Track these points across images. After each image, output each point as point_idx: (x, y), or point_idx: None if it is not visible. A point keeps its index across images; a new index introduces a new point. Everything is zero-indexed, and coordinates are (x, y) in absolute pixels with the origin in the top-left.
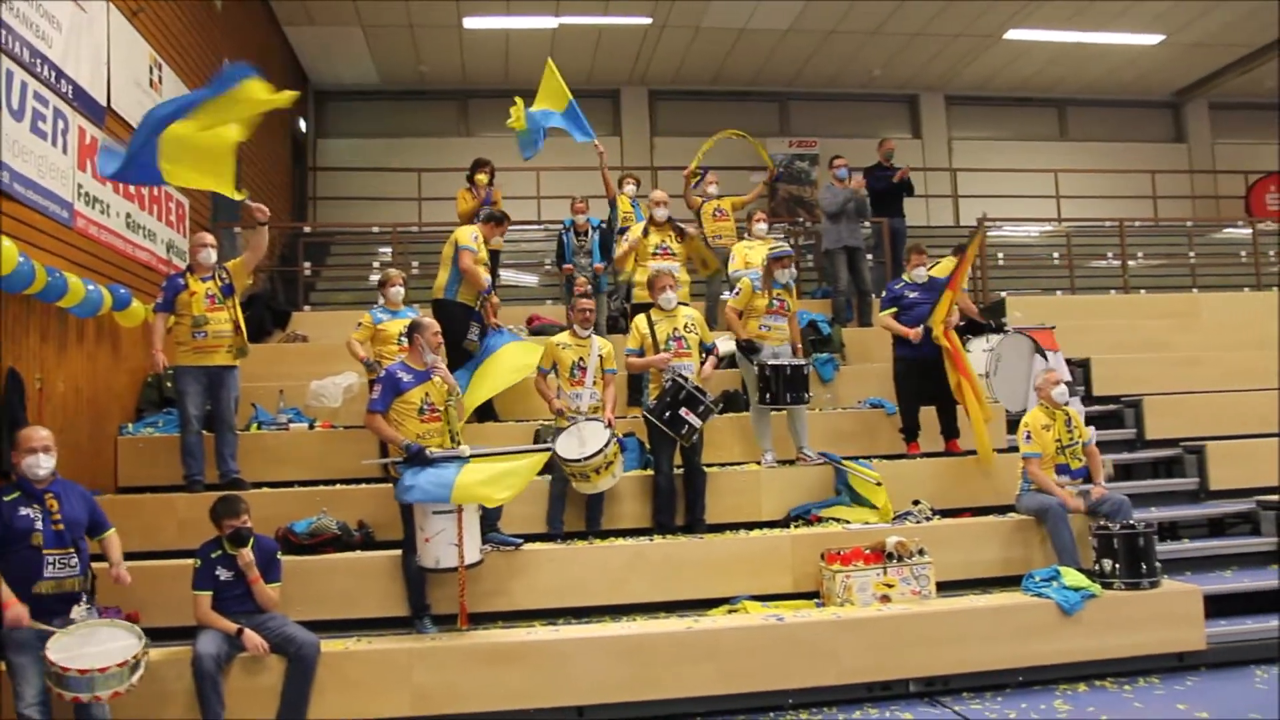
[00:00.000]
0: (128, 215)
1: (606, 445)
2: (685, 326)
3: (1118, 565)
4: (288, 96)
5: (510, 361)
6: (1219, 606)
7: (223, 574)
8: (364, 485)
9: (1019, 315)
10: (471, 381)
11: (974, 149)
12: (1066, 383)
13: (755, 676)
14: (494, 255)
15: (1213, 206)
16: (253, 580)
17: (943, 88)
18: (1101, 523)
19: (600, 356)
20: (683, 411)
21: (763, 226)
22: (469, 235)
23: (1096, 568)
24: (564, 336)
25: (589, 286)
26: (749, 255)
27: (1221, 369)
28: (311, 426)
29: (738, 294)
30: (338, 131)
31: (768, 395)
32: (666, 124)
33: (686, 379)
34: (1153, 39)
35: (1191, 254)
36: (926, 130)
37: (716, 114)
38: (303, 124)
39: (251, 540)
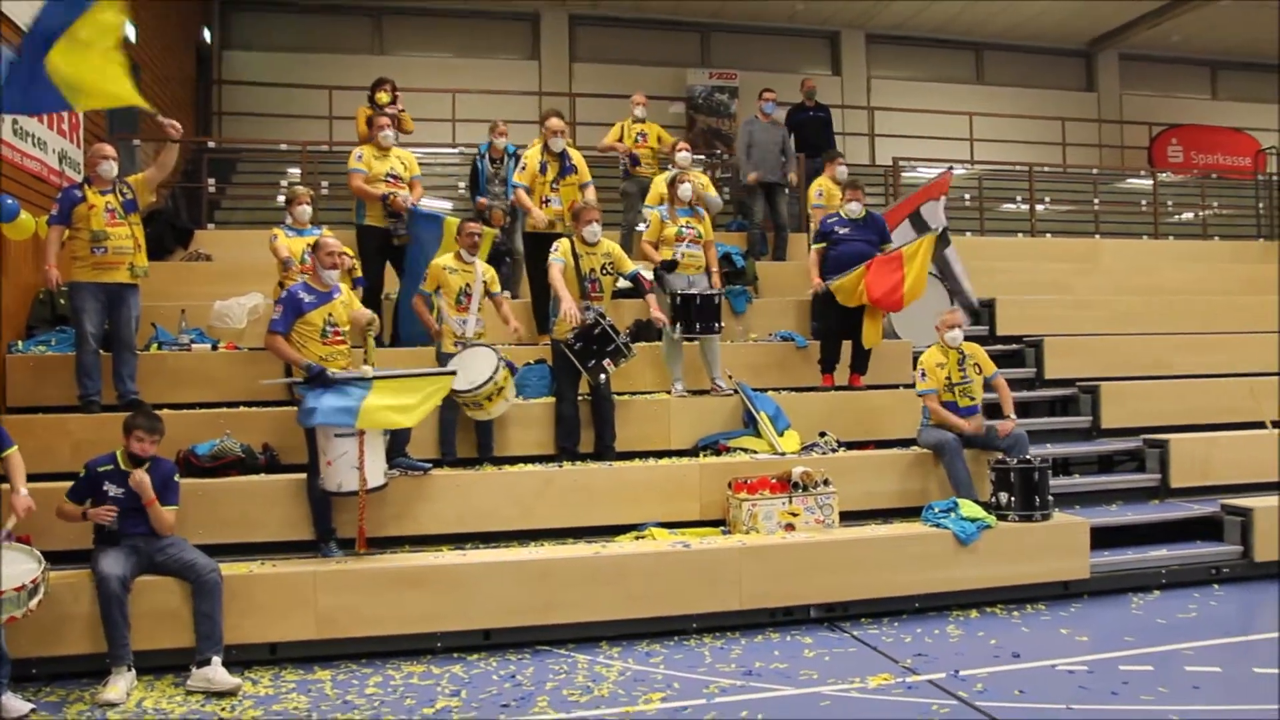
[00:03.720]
0: (14, 121)
1: (495, 373)
2: (603, 267)
3: (1013, 498)
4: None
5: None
6: (1104, 538)
7: (112, 490)
8: (269, 408)
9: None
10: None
11: (892, 88)
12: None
13: (661, 601)
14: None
15: (1118, 156)
16: (148, 503)
17: (864, 25)
18: (1000, 457)
19: (484, 281)
20: (595, 348)
21: (685, 155)
22: (354, 157)
23: (993, 500)
24: (449, 260)
25: (506, 221)
26: (665, 189)
27: (1117, 312)
28: (215, 348)
29: (648, 227)
30: (245, 44)
31: (679, 324)
32: (586, 50)
33: (604, 317)
34: None
35: (1096, 201)
36: (846, 68)
37: (637, 42)
38: (207, 34)
39: (148, 464)
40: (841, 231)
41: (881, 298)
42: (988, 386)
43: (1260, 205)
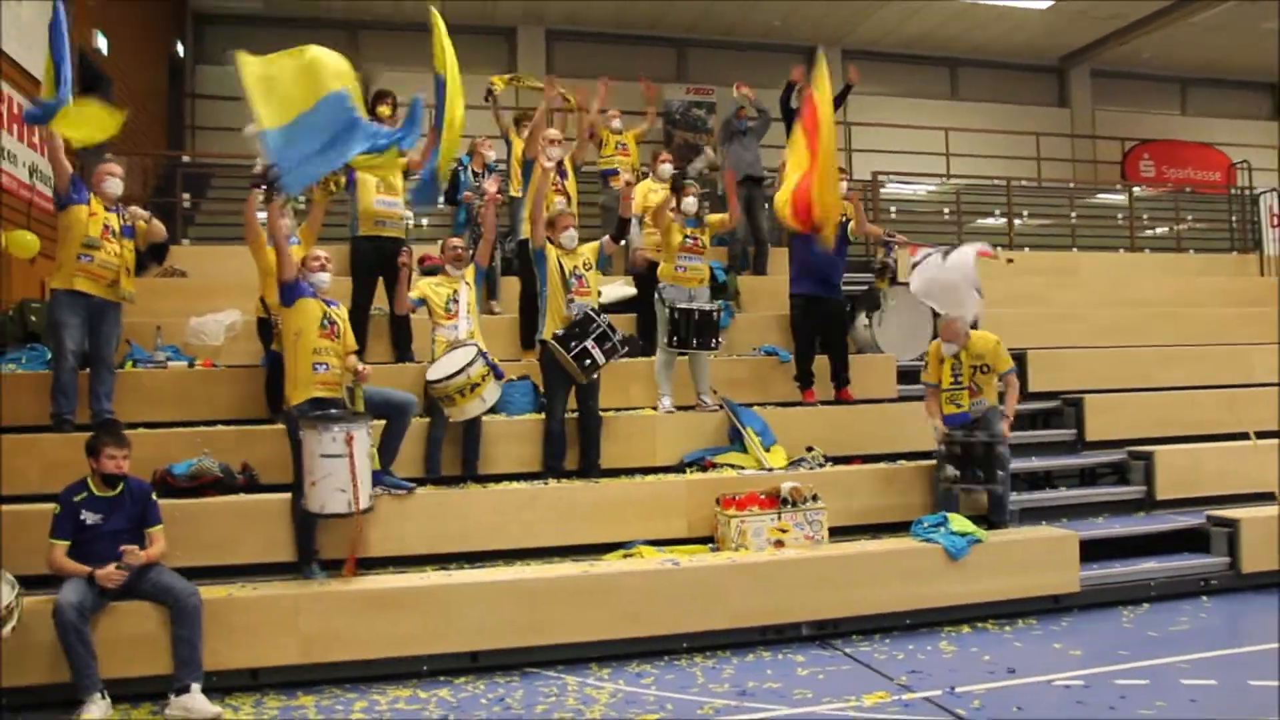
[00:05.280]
0: None
1: (470, 365)
2: (584, 264)
3: (961, 472)
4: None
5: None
6: (1092, 551)
7: (89, 518)
8: (249, 426)
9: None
10: None
11: (869, 104)
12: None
13: (650, 620)
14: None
15: (1092, 170)
16: (148, 560)
17: (840, 41)
18: (952, 434)
19: (469, 285)
20: (589, 345)
21: (667, 167)
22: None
23: (940, 474)
24: (436, 278)
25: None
26: (651, 199)
27: (1098, 326)
28: (191, 365)
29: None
30: (219, 58)
31: (676, 339)
32: (564, 66)
33: (599, 314)
34: (1040, 4)
35: (1072, 215)
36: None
37: (615, 57)
38: (180, 47)
39: (122, 484)
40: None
41: (796, 212)
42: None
43: (1233, 219)
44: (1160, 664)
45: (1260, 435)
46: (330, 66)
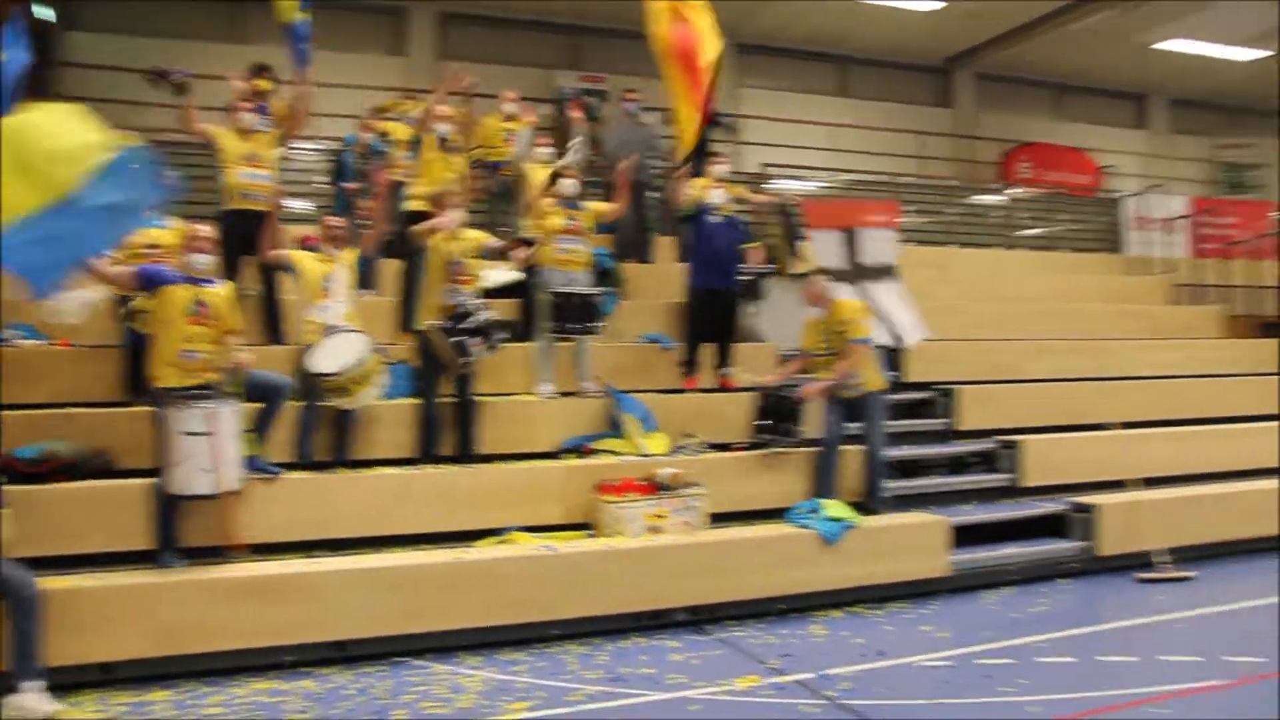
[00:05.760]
0: None
1: (363, 355)
2: (467, 252)
3: (769, 423)
4: None
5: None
6: (961, 537)
7: None
8: (106, 409)
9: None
10: None
11: (760, 98)
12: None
13: (523, 607)
14: None
15: (973, 170)
16: None
17: (734, 34)
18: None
19: (348, 268)
20: (466, 340)
21: (545, 151)
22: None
23: (756, 426)
24: (312, 255)
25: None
26: (534, 175)
27: (974, 319)
28: (48, 344)
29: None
30: (91, 25)
31: (555, 323)
32: (459, 49)
33: (481, 306)
34: (928, 6)
35: (952, 213)
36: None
37: (507, 43)
38: (47, 12)
39: None
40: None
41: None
42: None
43: (1102, 220)
44: (1022, 644)
45: (1126, 425)
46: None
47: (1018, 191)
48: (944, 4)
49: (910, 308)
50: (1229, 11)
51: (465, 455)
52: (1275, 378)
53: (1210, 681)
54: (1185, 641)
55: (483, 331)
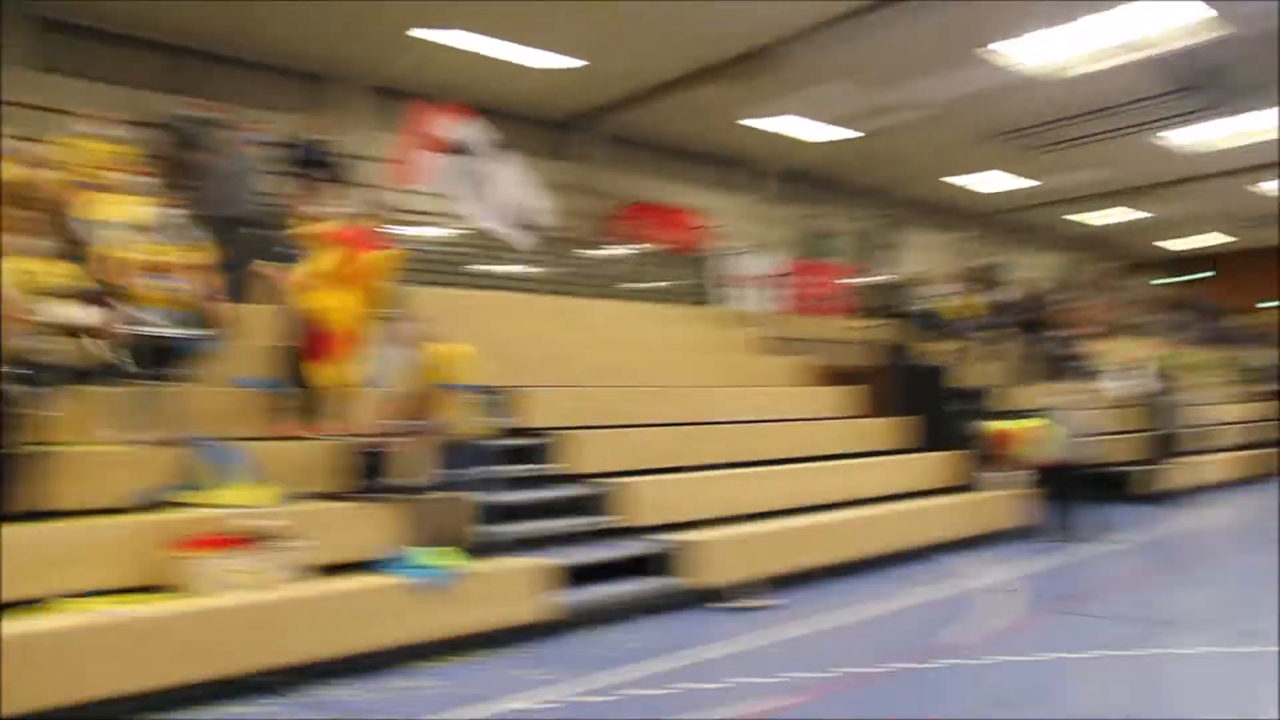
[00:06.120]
0: None
1: None
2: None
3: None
4: None
5: None
6: (568, 578)
7: None
8: None
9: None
10: None
11: (373, 142)
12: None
13: (69, 686)
14: None
15: (591, 224)
16: None
17: (371, 79)
18: None
19: None
20: (8, 387)
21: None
22: None
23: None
24: None
25: None
26: (110, 210)
27: (584, 366)
28: None
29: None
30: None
31: (138, 366)
32: (60, 61)
33: (36, 348)
34: (554, 64)
35: (568, 265)
36: (348, 119)
37: (118, 60)
38: None
39: None
40: None
41: None
42: None
43: (699, 276)
44: (620, 680)
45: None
46: None
47: (624, 248)
48: (578, 64)
49: (534, 189)
50: (819, 94)
51: (11, 511)
52: (851, 420)
53: (785, 700)
54: (762, 664)
55: (30, 379)
